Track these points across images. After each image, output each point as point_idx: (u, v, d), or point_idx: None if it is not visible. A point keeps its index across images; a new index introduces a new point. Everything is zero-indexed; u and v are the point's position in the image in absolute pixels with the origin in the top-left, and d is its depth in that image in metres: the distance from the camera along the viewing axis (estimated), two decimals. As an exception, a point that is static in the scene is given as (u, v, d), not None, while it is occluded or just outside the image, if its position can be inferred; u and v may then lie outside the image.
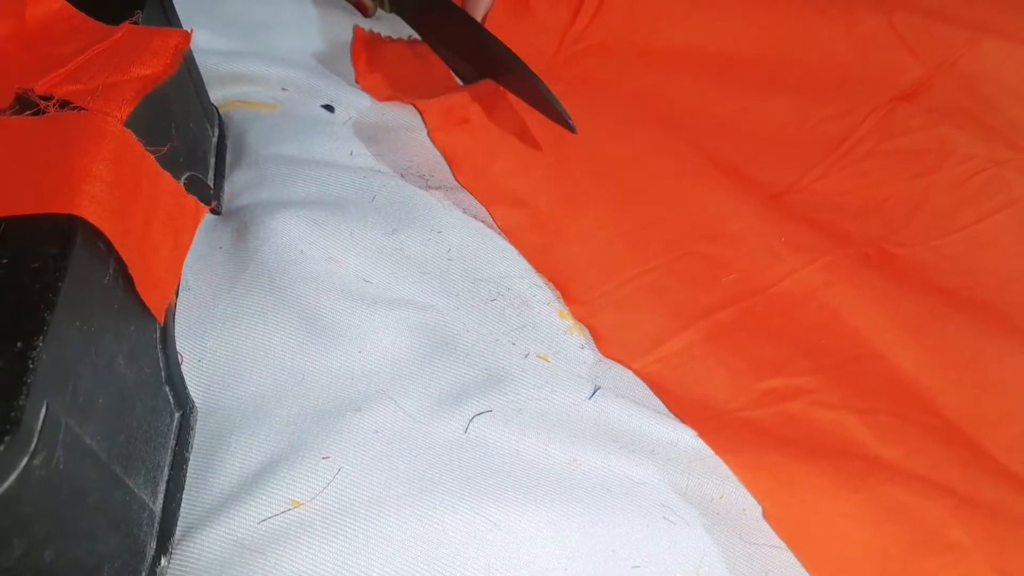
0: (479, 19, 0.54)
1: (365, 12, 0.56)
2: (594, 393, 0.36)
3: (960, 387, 0.40)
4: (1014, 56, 0.53)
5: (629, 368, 0.39)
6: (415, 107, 0.48)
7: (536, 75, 0.47)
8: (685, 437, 0.36)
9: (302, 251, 0.39)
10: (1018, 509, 0.36)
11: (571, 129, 0.45)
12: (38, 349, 0.22)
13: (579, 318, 0.41)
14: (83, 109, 0.28)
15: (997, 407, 0.40)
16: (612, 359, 0.40)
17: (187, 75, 0.41)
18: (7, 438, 0.20)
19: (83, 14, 0.33)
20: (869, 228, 0.47)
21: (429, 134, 0.47)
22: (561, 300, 0.41)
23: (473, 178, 0.46)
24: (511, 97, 0.50)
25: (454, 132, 0.48)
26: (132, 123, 0.32)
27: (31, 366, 0.22)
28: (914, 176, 0.49)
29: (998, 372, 0.41)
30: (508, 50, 0.48)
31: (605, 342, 0.40)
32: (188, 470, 0.33)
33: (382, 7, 0.57)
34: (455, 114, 0.48)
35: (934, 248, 0.46)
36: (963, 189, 0.48)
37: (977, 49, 0.53)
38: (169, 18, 0.38)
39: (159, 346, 0.34)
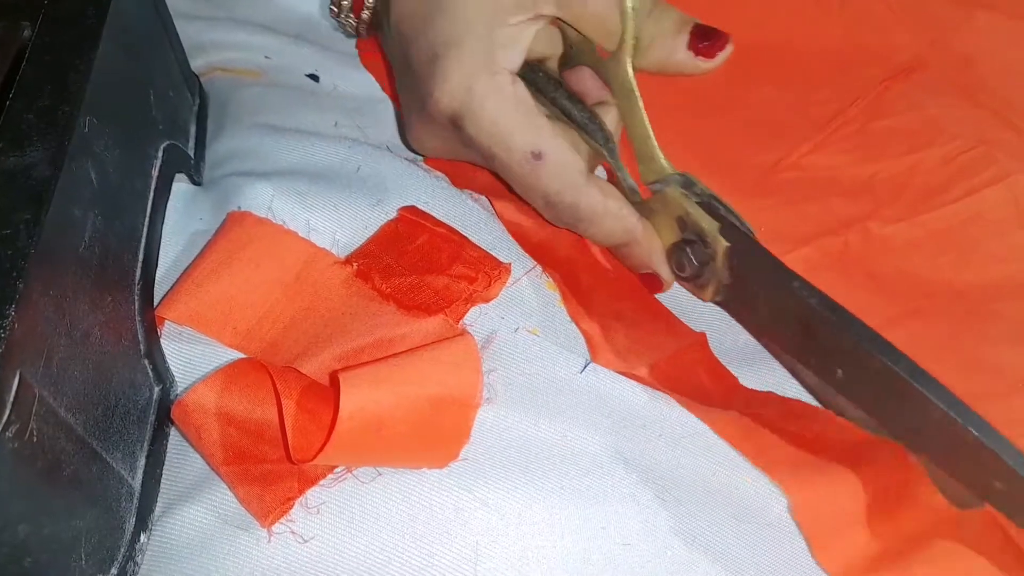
0: None
1: (658, 288, 0.41)
2: (585, 367, 0.36)
3: (937, 373, 0.41)
4: (1009, 32, 0.52)
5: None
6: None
7: None
8: (676, 413, 0.36)
9: (283, 222, 0.38)
10: None
11: None
12: (10, 318, 0.22)
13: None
14: None
15: (976, 388, 0.40)
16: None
17: (167, 42, 0.40)
18: (-23, 409, 0.20)
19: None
20: (857, 204, 0.47)
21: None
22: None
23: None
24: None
25: None
26: (111, 90, 0.31)
27: (3, 335, 0.21)
28: (904, 153, 0.49)
29: (976, 357, 0.41)
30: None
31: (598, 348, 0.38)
32: (168, 445, 0.33)
33: (699, 293, 0.40)
34: None
35: (921, 223, 0.46)
36: (952, 166, 0.48)
37: (971, 25, 0.53)
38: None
39: (137, 319, 0.33)
